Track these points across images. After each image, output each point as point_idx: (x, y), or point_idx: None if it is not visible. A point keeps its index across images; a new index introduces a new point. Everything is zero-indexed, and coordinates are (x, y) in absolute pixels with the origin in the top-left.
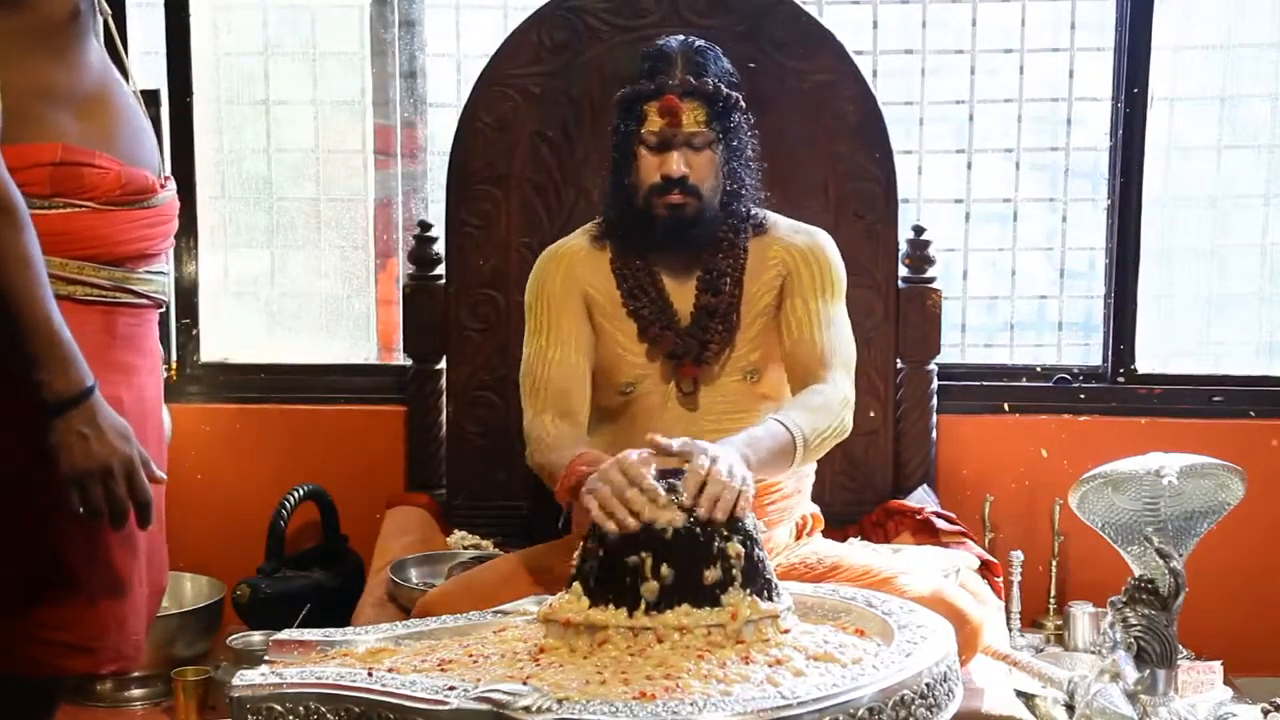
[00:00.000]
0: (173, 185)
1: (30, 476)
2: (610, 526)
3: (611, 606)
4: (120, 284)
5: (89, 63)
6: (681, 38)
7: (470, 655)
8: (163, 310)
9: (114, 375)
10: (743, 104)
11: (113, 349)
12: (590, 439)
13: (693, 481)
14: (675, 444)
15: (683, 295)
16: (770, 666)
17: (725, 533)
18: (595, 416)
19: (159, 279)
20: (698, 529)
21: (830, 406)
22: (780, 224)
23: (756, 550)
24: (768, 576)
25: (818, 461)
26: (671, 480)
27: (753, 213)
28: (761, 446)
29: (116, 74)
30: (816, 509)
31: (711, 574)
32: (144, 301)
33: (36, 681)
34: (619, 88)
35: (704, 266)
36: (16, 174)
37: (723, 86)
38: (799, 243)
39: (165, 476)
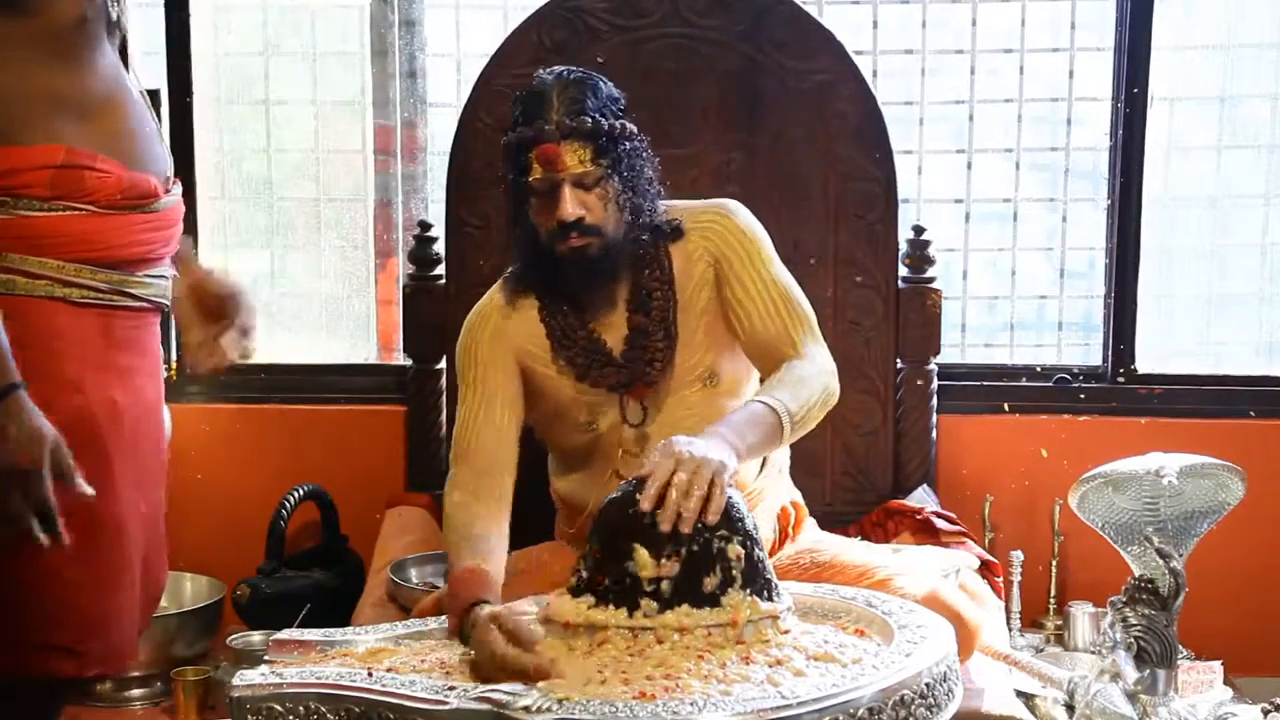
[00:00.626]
0: (178, 190)
1: None
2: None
3: (611, 607)
4: (118, 287)
5: (97, 69)
6: (558, 71)
7: (469, 655)
8: (164, 314)
9: (109, 378)
10: (630, 129)
11: (109, 351)
12: (559, 478)
13: (652, 489)
14: (652, 458)
15: (617, 324)
16: (770, 666)
17: (725, 533)
18: (562, 455)
19: (160, 283)
20: (697, 533)
21: (810, 378)
22: (688, 212)
23: (756, 551)
24: (768, 577)
25: (817, 462)
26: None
27: (667, 221)
28: (744, 427)
29: (128, 82)
30: (798, 496)
31: (711, 578)
32: (143, 305)
33: (28, 685)
34: (618, 88)
35: (630, 289)
36: (19, 175)
37: (604, 120)
38: (710, 223)
39: (91, 491)
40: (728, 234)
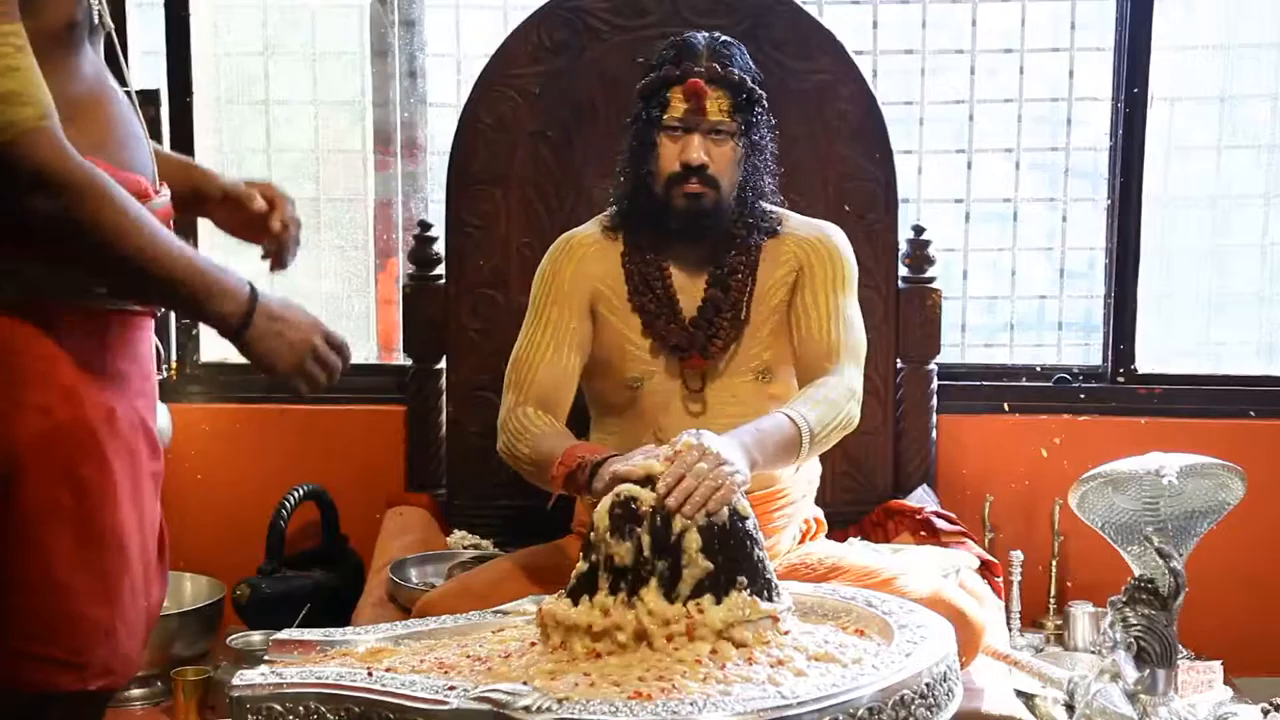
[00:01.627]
0: (166, 193)
1: (10, 481)
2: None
3: (609, 607)
4: None
5: (83, 72)
6: (707, 32)
7: (469, 655)
8: (157, 318)
9: (106, 384)
10: (765, 102)
11: (105, 356)
12: (596, 434)
13: (672, 473)
14: (678, 440)
15: (692, 290)
16: (771, 667)
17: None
18: (602, 411)
19: None
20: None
21: (836, 399)
22: (793, 221)
23: (756, 551)
24: (768, 577)
25: (818, 462)
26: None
27: (769, 213)
28: (767, 440)
29: (112, 83)
30: (819, 513)
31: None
32: (136, 308)
33: (27, 698)
34: (619, 88)
35: (716, 263)
36: None
37: (748, 79)
38: (811, 237)
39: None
40: (823, 250)
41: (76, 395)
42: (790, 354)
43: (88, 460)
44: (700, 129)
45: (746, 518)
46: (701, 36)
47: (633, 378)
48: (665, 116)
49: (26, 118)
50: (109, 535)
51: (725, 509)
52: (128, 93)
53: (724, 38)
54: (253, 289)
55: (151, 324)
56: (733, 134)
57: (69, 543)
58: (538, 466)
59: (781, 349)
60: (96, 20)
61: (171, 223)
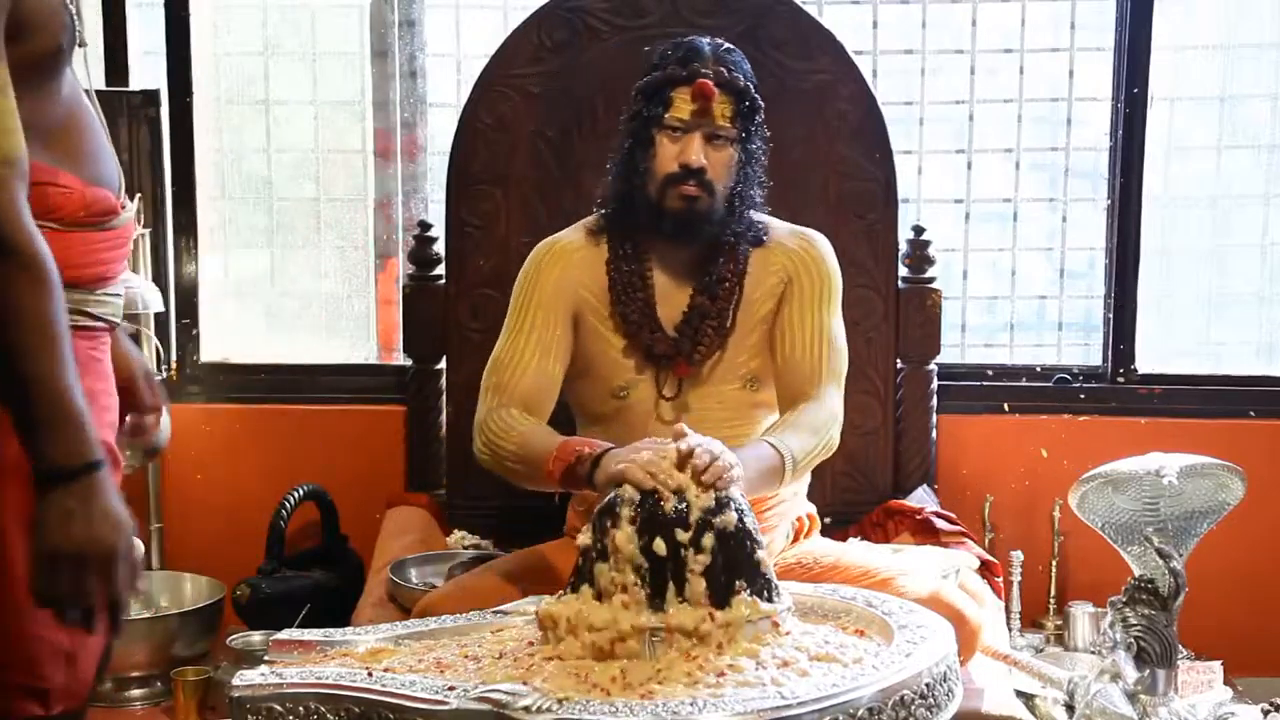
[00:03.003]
0: (132, 208)
1: None
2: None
3: (609, 607)
4: (77, 306)
5: (62, 92)
6: (709, 37)
7: (468, 656)
8: (113, 332)
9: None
10: (763, 113)
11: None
12: None
13: (683, 456)
14: (688, 438)
15: (677, 297)
16: (777, 668)
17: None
18: (587, 419)
19: (115, 301)
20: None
21: (819, 425)
22: (778, 229)
23: (757, 551)
24: (768, 577)
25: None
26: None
27: (757, 223)
28: (750, 469)
29: (83, 97)
30: (813, 509)
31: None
32: (99, 324)
33: None
34: (619, 88)
35: (703, 270)
36: None
37: (751, 87)
38: (798, 248)
39: (142, 589)
40: (810, 262)
41: None
42: (774, 365)
43: None
44: (702, 131)
45: (746, 517)
46: (706, 41)
47: (619, 386)
48: (668, 116)
49: None
50: None
51: (733, 515)
52: (99, 114)
53: (726, 44)
54: (95, 465)
55: (109, 340)
56: (732, 140)
57: (26, 565)
58: (526, 464)
59: (768, 359)
60: (77, 39)
61: (131, 242)
